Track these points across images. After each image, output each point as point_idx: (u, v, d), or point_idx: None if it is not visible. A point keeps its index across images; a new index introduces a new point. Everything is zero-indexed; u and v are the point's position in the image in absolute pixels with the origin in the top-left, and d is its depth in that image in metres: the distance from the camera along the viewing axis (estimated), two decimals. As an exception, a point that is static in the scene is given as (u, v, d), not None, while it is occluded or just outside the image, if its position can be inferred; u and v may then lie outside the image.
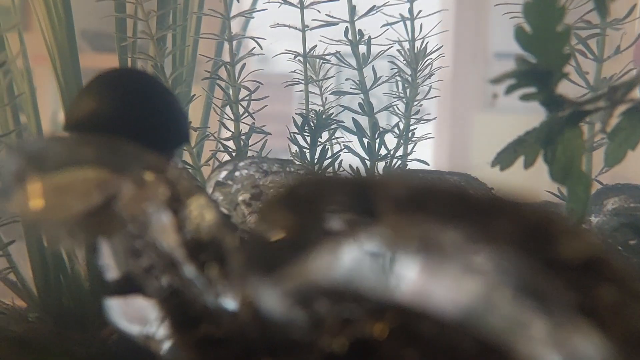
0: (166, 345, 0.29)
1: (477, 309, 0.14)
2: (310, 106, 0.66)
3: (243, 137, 0.62)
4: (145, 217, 0.21)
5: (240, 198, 0.44)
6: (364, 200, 0.17)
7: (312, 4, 0.58)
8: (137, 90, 0.32)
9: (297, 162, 0.47)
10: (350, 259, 0.15)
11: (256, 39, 0.58)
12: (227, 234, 0.20)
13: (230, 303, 0.20)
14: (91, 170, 0.21)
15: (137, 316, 0.28)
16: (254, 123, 0.62)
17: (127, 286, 0.25)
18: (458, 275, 0.14)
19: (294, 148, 0.65)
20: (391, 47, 0.63)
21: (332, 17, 0.60)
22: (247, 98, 0.59)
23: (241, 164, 0.45)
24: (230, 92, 0.59)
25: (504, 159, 0.36)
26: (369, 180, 0.18)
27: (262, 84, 0.57)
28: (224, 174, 0.44)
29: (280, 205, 0.16)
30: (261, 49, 0.56)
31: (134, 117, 0.31)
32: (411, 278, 0.15)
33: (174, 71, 0.60)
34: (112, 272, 0.24)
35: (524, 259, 0.14)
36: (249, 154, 0.64)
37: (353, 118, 0.65)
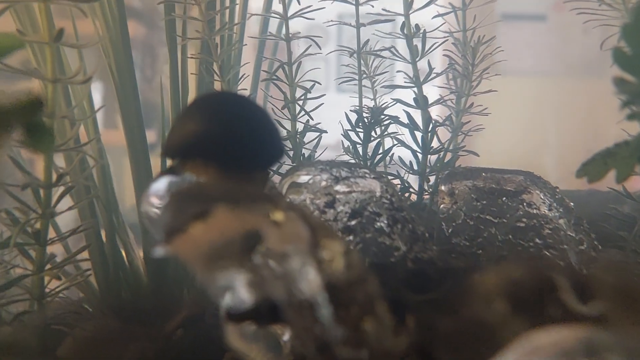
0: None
1: None
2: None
3: (298, 136, 0.62)
4: (285, 256, 0.22)
5: (315, 203, 0.44)
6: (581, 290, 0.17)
7: (367, 1, 0.57)
8: (235, 113, 0.32)
9: (364, 169, 0.47)
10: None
11: (313, 37, 0.58)
12: (369, 278, 0.21)
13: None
14: (236, 212, 0.21)
15: (254, 340, 0.29)
16: (308, 121, 0.62)
17: (252, 315, 0.26)
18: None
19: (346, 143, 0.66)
20: (446, 40, 0.62)
21: (387, 11, 0.60)
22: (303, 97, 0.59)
23: (314, 169, 0.45)
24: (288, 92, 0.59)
25: (591, 171, 0.36)
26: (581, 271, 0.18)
27: (320, 84, 0.57)
28: (300, 178, 0.44)
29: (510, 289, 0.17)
30: (319, 48, 0.56)
31: (233, 139, 0.31)
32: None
33: (227, 72, 0.60)
34: (241, 301, 0.25)
35: None
36: (303, 152, 0.64)
37: (406, 112, 0.65)
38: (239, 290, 0.24)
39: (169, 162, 0.39)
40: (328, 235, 0.22)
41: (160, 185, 0.31)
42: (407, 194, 0.68)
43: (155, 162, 0.64)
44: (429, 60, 0.62)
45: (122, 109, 0.61)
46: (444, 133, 0.67)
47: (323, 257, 0.21)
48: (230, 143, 0.31)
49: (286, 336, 0.29)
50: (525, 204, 0.48)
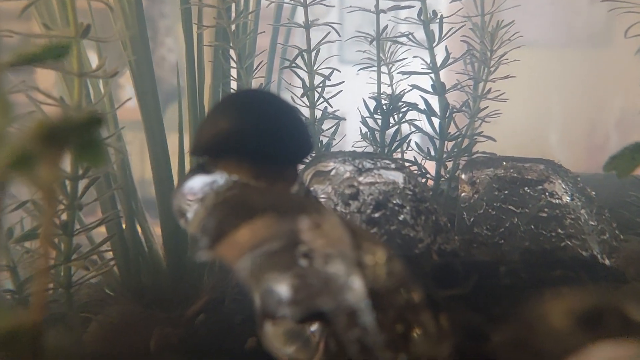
0: None
1: None
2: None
3: (317, 123, 0.62)
4: (327, 258, 0.22)
5: (339, 194, 0.44)
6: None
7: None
8: (264, 110, 0.32)
9: (386, 160, 0.47)
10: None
11: (331, 24, 0.57)
12: (412, 283, 0.21)
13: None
14: (278, 217, 0.22)
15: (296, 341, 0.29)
16: (326, 108, 0.62)
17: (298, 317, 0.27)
18: None
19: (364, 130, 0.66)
20: (464, 25, 0.62)
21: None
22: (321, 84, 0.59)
23: (337, 159, 0.46)
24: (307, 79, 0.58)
25: (620, 166, 0.36)
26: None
27: (339, 71, 0.57)
28: (324, 168, 0.44)
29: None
30: (339, 36, 0.56)
31: (265, 136, 0.32)
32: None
33: (244, 61, 0.59)
34: (282, 301, 0.25)
35: None
36: (321, 139, 0.64)
37: (423, 98, 0.64)
38: (280, 292, 0.25)
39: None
40: (370, 240, 0.22)
41: (194, 183, 0.31)
42: (424, 180, 0.68)
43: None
44: (446, 46, 0.62)
45: (137, 87, 0.61)
46: (461, 119, 0.67)
47: (365, 262, 0.22)
48: (261, 140, 0.31)
49: (314, 327, 0.30)
50: (547, 193, 0.48)
